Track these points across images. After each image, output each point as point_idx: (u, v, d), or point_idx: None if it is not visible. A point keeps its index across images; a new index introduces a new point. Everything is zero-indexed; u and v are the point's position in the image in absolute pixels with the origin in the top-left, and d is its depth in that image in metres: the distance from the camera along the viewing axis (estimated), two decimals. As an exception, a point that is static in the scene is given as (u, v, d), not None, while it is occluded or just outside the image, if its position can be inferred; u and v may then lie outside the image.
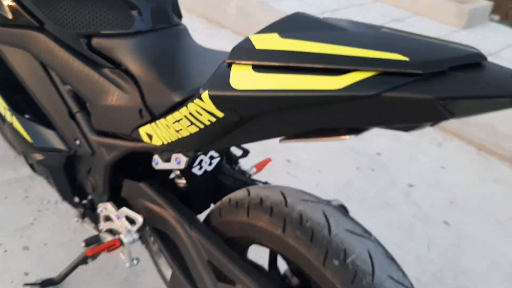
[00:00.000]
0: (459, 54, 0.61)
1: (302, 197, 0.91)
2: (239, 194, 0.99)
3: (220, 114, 0.77)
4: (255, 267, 1.09)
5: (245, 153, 1.29)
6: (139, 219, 1.11)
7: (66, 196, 1.33)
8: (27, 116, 1.24)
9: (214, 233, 1.02)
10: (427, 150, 2.62)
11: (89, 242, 1.16)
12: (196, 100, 0.79)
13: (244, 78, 0.71)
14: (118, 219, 1.15)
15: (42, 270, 1.47)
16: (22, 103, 1.26)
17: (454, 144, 2.74)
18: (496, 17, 5.68)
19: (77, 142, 1.18)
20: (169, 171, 1.17)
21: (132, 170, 1.19)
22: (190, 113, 0.82)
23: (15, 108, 1.25)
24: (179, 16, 1.15)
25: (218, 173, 1.19)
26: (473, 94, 0.57)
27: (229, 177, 1.21)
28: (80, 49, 1.06)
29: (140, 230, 1.13)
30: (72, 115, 1.18)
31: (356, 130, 0.71)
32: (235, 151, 1.31)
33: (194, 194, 1.14)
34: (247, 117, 0.75)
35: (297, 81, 0.66)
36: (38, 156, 1.28)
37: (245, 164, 1.47)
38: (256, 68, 0.71)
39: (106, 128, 1.08)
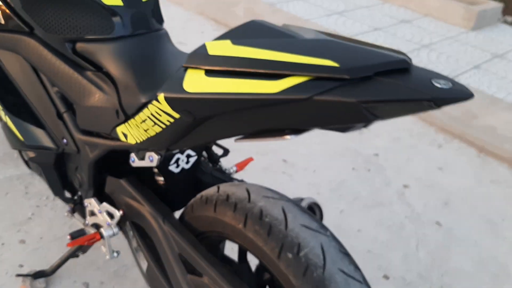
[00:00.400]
0: (386, 60, 0.65)
1: (265, 194, 0.95)
2: (210, 191, 1.04)
3: (176, 115, 0.82)
4: (226, 261, 1.14)
5: (226, 152, 1.34)
6: (117, 213, 1.17)
7: (57, 192, 1.40)
8: (19, 115, 1.32)
9: (186, 228, 1.08)
10: (426, 151, 2.63)
11: (74, 235, 1.22)
12: (154, 102, 0.85)
13: (196, 82, 0.77)
14: (100, 214, 1.21)
15: (36, 263, 1.54)
16: (15, 103, 1.33)
17: (455, 145, 2.74)
18: (510, 19, 5.63)
19: (64, 140, 1.25)
20: (150, 169, 1.23)
21: (115, 167, 1.26)
22: (152, 114, 0.88)
23: (8, 108, 1.33)
24: (160, 21, 1.21)
25: (196, 171, 1.24)
26: (393, 97, 0.61)
27: (207, 175, 1.26)
28: (66, 53, 1.13)
29: (119, 224, 1.19)
30: (59, 115, 1.25)
31: (298, 130, 0.75)
32: (217, 150, 1.36)
33: (171, 191, 1.20)
34: (200, 118, 0.80)
35: (241, 85, 0.72)
36: (30, 154, 1.35)
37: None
38: (208, 72, 0.77)
39: (89, 127, 1.15)
